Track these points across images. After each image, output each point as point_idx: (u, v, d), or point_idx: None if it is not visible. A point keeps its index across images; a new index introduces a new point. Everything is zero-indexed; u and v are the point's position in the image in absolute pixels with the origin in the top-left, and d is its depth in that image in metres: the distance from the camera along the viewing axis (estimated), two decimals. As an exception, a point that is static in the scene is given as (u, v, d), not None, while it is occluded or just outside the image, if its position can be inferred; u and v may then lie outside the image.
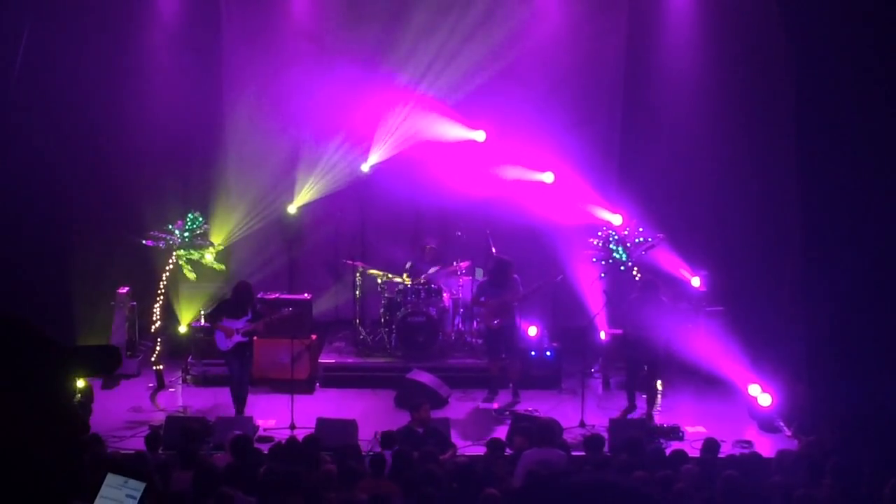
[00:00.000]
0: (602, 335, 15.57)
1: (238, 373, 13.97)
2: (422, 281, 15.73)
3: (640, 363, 14.11)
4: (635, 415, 14.11)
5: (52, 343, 2.68)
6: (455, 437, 12.86)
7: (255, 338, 14.24)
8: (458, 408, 14.55)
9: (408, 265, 16.04)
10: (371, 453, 11.22)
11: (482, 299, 14.64)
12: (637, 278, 15.26)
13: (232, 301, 14.01)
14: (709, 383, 15.02)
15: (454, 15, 16.44)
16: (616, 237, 15.60)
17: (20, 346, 2.65)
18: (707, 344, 14.81)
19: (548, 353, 15.42)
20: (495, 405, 14.60)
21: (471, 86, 16.47)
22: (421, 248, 16.20)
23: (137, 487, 3.09)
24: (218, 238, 16.19)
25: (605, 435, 12.65)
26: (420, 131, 16.63)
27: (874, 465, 10.33)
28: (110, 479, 3.10)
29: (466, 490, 9.46)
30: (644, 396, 14.19)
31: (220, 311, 14.02)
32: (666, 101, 16.64)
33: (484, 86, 16.48)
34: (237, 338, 13.79)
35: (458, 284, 16.14)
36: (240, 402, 13.93)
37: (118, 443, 12.85)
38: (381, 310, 16.11)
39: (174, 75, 16.40)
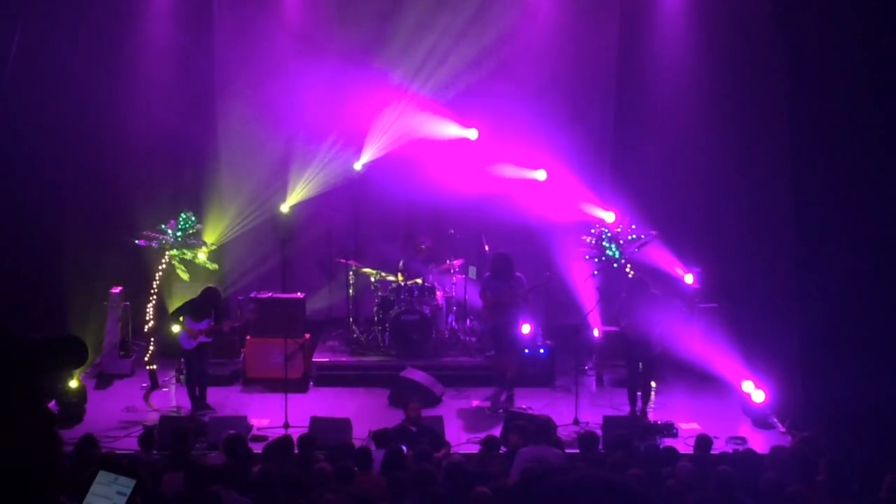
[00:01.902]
0: (595, 332, 15.56)
1: (200, 369, 14.23)
2: (416, 281, 15.73)
3: (637, 361, 14.10)
4: (626, 412, 14.11)
5: (10, 338, 2.63)
6: (449, 436, 12.86)
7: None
8: (452, 406, 14.55)
9: (400, 264, 16.04)
10: (357, 449, 11.12)
11: (488, 294, 14.58)
12: (630, 276, 15.25)
13: (198, 303, 14.21)
14: (702, 380, 15.03)
15: (446, 13, 16.44)
16: (609, 234, 15.60)
17: None
18: (700, 341, 14.84)
19: (541, 351, 15.42)
20: (490, 403, 14.59)
21: (463, 84, 16.46)
22: (415, 247, 16.19)
23: (127, 484, 3.08)
24: (211, 237, 16.17)
25: (599, 432, 12.64)
26: (412, 130, 16.61)
27: (867, 460, 10.34)
28: (101, 476, 3.10)
29: (459, 489, 9.45)
30: (639, 394, 14.19)
31: (183, 310, 14.22)
32: (658, 98, 16.64)
33: (476, 84, 16.48)
34: (202, 338, 14.08)
35: (452, 283, 16.13)
36: (201, 397, 14.20)
37: (112, 443, 12.83)
38: (375, 308, 16.10)
39: (166, 75, 16.38)
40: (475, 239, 16.04)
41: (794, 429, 13.26)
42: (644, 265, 15.50)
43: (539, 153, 16.47)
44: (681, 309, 15.28)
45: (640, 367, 14.08)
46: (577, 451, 11.74)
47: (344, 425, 12.82)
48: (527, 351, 15.18)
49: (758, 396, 13.91)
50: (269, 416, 13.90)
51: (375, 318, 16.11)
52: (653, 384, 14.68)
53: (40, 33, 14.82)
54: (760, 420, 13.92)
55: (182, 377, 15.27)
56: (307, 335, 15.85)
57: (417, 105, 16.60)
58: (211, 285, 14.65)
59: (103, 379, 15.43)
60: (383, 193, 16.48)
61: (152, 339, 15.42)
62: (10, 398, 2.57)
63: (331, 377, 15.48)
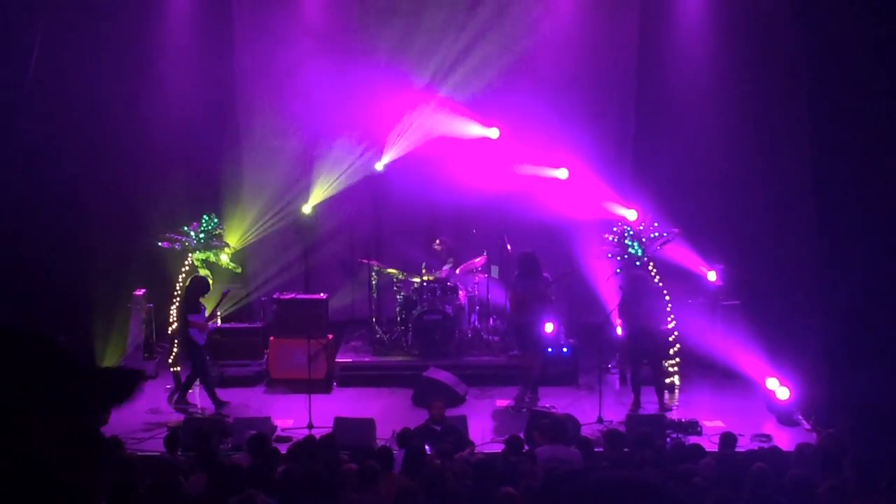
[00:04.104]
0: (618, 331, 15.53)
1: (204, 367, 14.53)
2: (438, 277, 15.72)
3: (640, 355, 14.10)
4: (652, 410, 14.07)
5: (73, 363, 2.61)
6: (473, 435, 12.86)
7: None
8: (476, 405, 14.55)
9: (423, 264, 16.04)
10: (378, 448, 11.12)
11: (513, 293, 14.55)
12: (653, 273, 15.22)
13: (189, 296, 14.44)
14: (726, 377, 14.99)
15: (467, 12, 16.45)
16: (631, 232, 15.55)
17: (42, 367, 2.57)
18: (724, 338, 14.78)
19: (564, 350, 15.41)
20: (514, 402, 14.58)
21: (484, 83, 16.48)
22: (431, 245, 16.21)
23: None
24: (233, 239, 16.23)
25: (623, 430, 12.61)
26: (434, 129, 16.63)
27: (893, 457, 10.29)
28: None
29: (484, 488, 9.44)
30: (649, 388, 14.17)
31: (186, 310, 14.39)
32: (679, 95, 16.60)
33: (497, 83, 16.50)
34: (211, 325, 14.43)
35: (474, 282, 16.12)
36: (183, 392, 14.52)
37: (137, 444, 12.88)
38: (398, 308, 16.11)
39: (188, 76, 16.45)
40: (497, 238, 16.02)
41: (819, 426, 13.20)
42: (666, 263, 15.47)
43: (560, 151, 16.47)
44: (703, 306, 15.24)
45: (647, 361, 14.09)
46: (602, 449, 11.72)
47: (368, 426, 12.84)
48: (550, 350, 15.17)
49: (782, 393, 13.86)
50: (293, 416, 13.92)
51: (398, 319, 16.12)
52: (676, 381, 14.62)
53: (61, 38, 14.89)
54: (785, 417, 13.86)
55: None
56: (330, 336, 15.88)
57: (438, 104, 16.61)
58: (194, 275, 14.81)
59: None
60: (405, 193, 16.52)
61: (176, 341, 15.47)
62: (64, 423, 2.55)
63: (354, 377, 15.50)
